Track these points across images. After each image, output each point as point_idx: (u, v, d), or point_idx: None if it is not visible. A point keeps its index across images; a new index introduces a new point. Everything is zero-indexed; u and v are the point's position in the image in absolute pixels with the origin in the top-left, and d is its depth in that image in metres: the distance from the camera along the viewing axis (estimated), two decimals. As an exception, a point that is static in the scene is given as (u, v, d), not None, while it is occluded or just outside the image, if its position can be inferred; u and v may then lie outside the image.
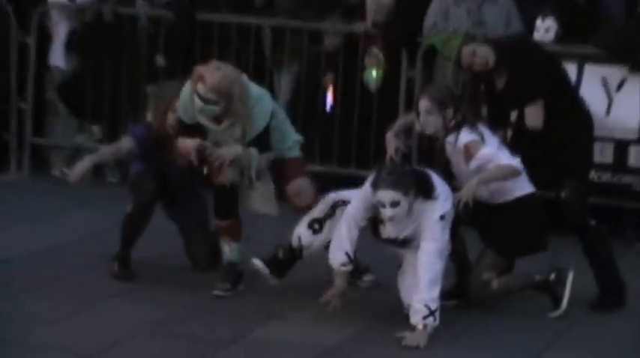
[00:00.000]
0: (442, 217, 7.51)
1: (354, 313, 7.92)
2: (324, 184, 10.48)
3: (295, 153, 8.57)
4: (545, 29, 10.53)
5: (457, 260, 8.45)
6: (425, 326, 7.33)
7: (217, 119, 8.14)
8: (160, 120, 8.74)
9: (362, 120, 10.88)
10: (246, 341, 7.50)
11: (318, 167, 10.89)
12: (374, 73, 10.86)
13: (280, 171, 8.48)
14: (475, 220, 8.24)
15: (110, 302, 8.29)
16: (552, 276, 8.29)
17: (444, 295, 7.96)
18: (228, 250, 8.51)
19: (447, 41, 9.54)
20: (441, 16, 10.67)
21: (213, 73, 8.03)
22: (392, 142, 8.60)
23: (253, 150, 8.24)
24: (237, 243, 8.51)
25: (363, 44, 10.98)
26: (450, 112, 8.08)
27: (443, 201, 7.57)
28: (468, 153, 7.96)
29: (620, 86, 10.28)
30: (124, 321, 7.85)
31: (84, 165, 8.81)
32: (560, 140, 8.59)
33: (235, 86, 8.03)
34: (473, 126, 8.08)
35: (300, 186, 8.39)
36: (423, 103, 8.12)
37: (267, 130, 8.26)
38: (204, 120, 8.16)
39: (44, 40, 11.83)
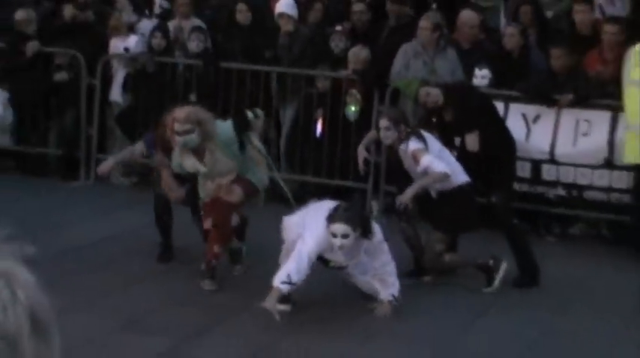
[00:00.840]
0: (387, 240, 7.81)
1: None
2: (317, 190, 11.15)
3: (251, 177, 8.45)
4: (481, 76, 10.62)
5: (412, 246, 8.80)
6: (390, 302, 7.79)
7: (199, 156, 8.16)
8: (160, 131, 8.56)
9: (344, 143, 10.89)
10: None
11: (312, 178, 11.20)
12: (353, 108, 11.02)
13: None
14: (421, 213, 8.63)
15: (153, 279, 8.55)
16: (491, 262, 8.59)
17: (404, 275, 8.33)
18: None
19: (408, 84, 10.10)
20: (403, 66, 10.81)
21: (180, 110, 8.18)
22: (361, 154, 8.99)
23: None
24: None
25: (345, 86, 11.11)
26: (402, 127, 8.40)
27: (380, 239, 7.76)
28: (415, 158, 8.23)
29: (535, 119, 10.33)
30: (161, 293, 8.20)
31: (108, 163, 9.25)
32: (491, 160, 8.95)
33: (200, 113, 8.17)
34: (419, 137, 8.31)
35: (234, 188, 8.27)
36: (382, 122, 8.50)
37: (235, 120, 8.45)
38: (190, 164, 8.22)
39: (106, 81, 11.92)
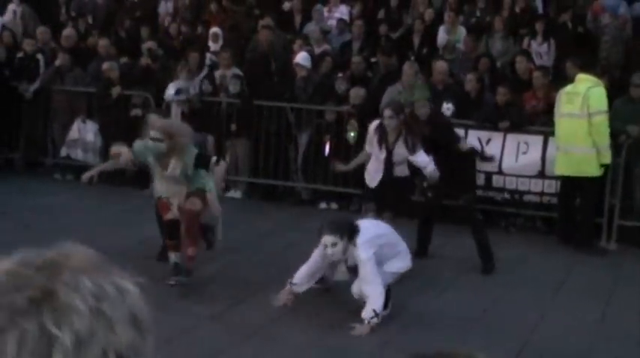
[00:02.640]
0: (369, 259, 6.67)
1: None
2: (326, 195, 11.26)
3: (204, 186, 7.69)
4: (447, 108, 10.61)
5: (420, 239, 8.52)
6: (369, 322, 6.61)
7: (164, 162, 7.48)
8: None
9: (346, 160, 10.03)
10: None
11: (322, 186, 11.21)
12: (352, 134, 10.97)
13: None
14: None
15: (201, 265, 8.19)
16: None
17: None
18: (174, 257, 7.65)
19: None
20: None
21: (158, 120, 7.68)
22: (345, 168, 8.88)
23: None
24: (179, 253, 7.66)
25: (347, 118, 11.10)
26: (402, 116, 8.09)
27: (366, 247, 6.69)
28: (414, 147, 7.99)
29: (487, 141, 10.36)
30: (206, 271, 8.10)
31: (92, 171, 8.25)
32: (458, 169, 8.87)
33: (175, 128, 7.58)
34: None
35: (194, 200, 7.58)
36: (387, 112, 8.08)
37: (200, 157, 7.61)
38: (155, 165, 7.61)
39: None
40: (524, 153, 10.28)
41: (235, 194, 11.85)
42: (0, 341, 0.98)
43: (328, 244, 6.66)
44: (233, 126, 11.65)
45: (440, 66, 11.28)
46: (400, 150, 8.11)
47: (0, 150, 12.86)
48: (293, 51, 12.38)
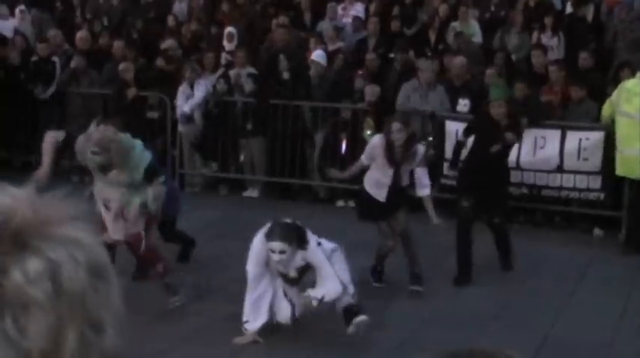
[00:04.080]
0: (324, 259, 6.38)
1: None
2: (344, 193, 11.23)
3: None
4: (463, 104, 10.67)
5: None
6: (313, 300, 6.28)
7: (105, 169, 7.10)
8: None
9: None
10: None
11: (338, 184, 11.05)
12: (369, 131, 10.86)
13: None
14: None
15: (217, 259, 8.24)
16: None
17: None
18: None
19: (503, 90, 9.17)
20: (405, 98, 10.86)
21: (96, 134, 7.13)
22: (341, 175, 8.59)
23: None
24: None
25: (363, 115, 11.11)
26: (410, 129, 7.80)
27: (319, 250, 6.40)
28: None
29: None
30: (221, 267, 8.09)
31: (43, 169, 7.48)
32: (494, 182, 8.37)
33: (112, 144, 7.00)
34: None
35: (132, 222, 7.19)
36: (395, 125, 7.68)
37: (151, 170, 7.19)
38: (94, 169, 7.22)
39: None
40: (542, 147, 10.22)
41: (252, 193, 11.89)
42: None
43: (276, 250, 6.25)
44: (249, 126, 11.69)
45: (458, 61, 11.28)
46: (408, 166, 7.80)
47: (17, 154, 12.93)
48: (308, 49, 12.37)
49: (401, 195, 7.86)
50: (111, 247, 6.96)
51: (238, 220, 9.58)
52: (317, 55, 11.75)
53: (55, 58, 12.65)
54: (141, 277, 7.50)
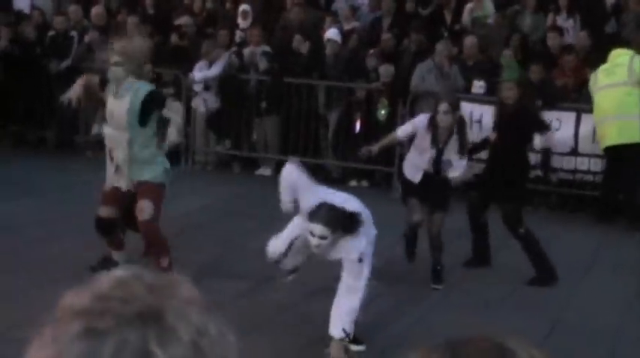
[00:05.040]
0: (360, 260, 5.67)
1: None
2: (356, 173, 11.19)
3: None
4: (479, 86, 10.70)
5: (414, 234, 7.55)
6: (341, 340, 5.67)
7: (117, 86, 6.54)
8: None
9: (376, 137, 9.90)
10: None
11: (352, 164, 11.16)
12: (383, 111, 11.02)
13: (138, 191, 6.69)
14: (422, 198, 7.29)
15: (230, 236, 8.32)
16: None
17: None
18: (117, 255, 6.98)
19: (514, 69, 9.69)
20: (420, 79, 10.88)
21: (121, 40, 6.66)
22: (373, 149, 7.72)
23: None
24: (123, 251, 7.00)
25: (377, 95, 11.16)
26: (457, 114, 7.25)
27: (364, 242, 5.70)
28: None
29: None
30: (235, 245, 7.91)
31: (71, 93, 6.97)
32: (512, 169, 7.79)
33: (137, 51, 6.57)
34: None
35: (142, 206, 6.62)
36: (443, 106, 7.08)
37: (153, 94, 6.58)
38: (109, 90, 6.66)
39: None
40: (557, 129, 10.18)
41: (265, 171, 11.91)
42: (98, 342, 1.00)
43: (316, 234, 5.60)
44: (263, 104, 11.70)
45: (469, 41, 11.29)
46: (451, 151, 7.21)
47: (32, 129, 12.99)
48: (323, 28, 12.35)
49: (439, 185, 7.26)
50: (110, 221, 6.80)
51: (251, 198, 9.60)
52: (332, 33, 11.75)
53: (74, 33, 12.65)
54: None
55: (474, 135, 10.49)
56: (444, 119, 7.04)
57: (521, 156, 7.91)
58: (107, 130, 6.78)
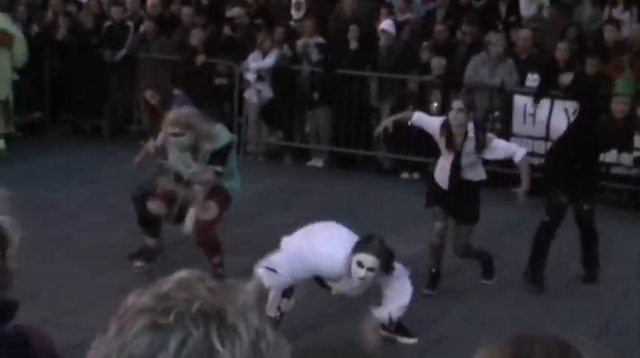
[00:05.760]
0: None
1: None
2: (409, 165, 11.15)
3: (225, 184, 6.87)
4: (533, 79, 10.60)
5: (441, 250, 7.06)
6: (383, 322, 5.63)
7: (194, 154, 6.63)
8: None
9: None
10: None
11: (404, 156, 11.17)
12: (435, 104, 10.86)
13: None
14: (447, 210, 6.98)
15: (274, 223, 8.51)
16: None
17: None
18: (151, 241, 7.20)
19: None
20: (473, 71, 10.86)
21: (170, 114, 6.67)
22: (387, 122, 7.68)
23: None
24: (156, 239, 7.24)
25: (430, 88, 11.09)
26: (471, 114, 6.97)
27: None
28: (486, 142, 6.82)
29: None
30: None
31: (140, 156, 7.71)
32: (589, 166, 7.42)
33: (191, 117, 6.59)
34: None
35: (209, 205, 6.78)
36: (457, 103, 6.87)
37: (228, 147, 6.73)
38: (178, 161, 6.78)
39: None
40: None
41: (317, 163, 11.93)
42: (164, 336, 1.04)
43: (365, 265, 5.38)
44: (315, 95, 11.70)
45: (523, 34, 11.18)
46: (470, 150, 6.88)
47: (87, 118, 13.13)
48: (377, 19, 12.30)
49: (466, 191, 6.95)
50: (155, 217, 6.96)
51: (302, 189, 9.59)
52: (386, 24, 11.69)
53: (130, 23, 12.77)
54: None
55: (527, 129, 10.49)
56: (456, 117, 6.77)
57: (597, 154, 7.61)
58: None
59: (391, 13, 12.58)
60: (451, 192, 6.90)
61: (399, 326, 5.94)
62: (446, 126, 6.87)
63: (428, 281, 7.07)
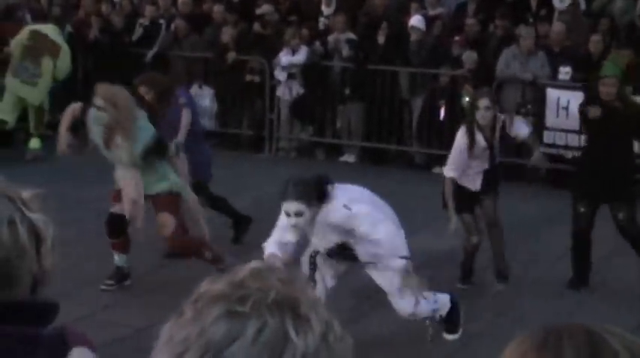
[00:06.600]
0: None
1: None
2: (441, 159, 11.06)
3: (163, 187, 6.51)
4: (565, 72, 10.57)
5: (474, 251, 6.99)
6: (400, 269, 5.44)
7: (109, 135, 6.34)
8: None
9: (460, 122, 10.60)
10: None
11: (437, 151, 10.99)
12: (467, 98, 10.22)
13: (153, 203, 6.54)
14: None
15: None
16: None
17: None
18: (118, 258, 6.78)
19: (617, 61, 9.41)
20: (505, 65, 10.83)
21: (102, 87, 6.47)
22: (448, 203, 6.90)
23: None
24: (126, 254, 6.78)
25: (461, 82, 10.97)
26: (497, 107, 7.01)
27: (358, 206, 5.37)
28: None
29: None
30: None
31: (61, 142, 6.84)
32: (622, 170, 7.08)
33: (119, 97, 6.34)
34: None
35: (162, 220, 6.49)
36: (484, 101, 6.80)
37: (154, 145, 6.40)
38: (97, 137, 6.48)
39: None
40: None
41: (349, 158, 11.93)
42: (241, 324, 1.07)
43: (291, 212, 5.27)
44: (347, 91, 11.69)
45: (557, 27, 11.12)
46: (496, 142, 6.92)
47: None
48: (407, 14, 12.26)
49: (492, 178, 7.00)
50: (119, 218, 6.62)
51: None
52: (416, 20, 11.64)
53: (162, 21, 12.84)
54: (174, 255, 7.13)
55: (560, 122, 10.40)
56: (485, 115, 6.72)
57: (628, 151, 7.26)
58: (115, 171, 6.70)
59: (422, 8, 12.53)
60: (486, 187, 6.87)
61: (446, 319, 5.82)
62: (469, 132, 6.77)
63: (461, 276, 7.09)
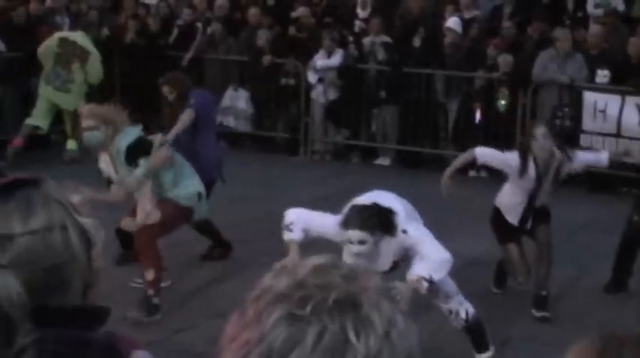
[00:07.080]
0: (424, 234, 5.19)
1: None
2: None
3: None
4: (602, 75, 10.46)
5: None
6: (418, 280, 5.00)
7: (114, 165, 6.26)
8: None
9: (497, 127, 10.71)
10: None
11: None
12: (503, 101, 10.88)
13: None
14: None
15: None
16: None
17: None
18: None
19: None
20: (542, 68, 10.71)
21: (85, 108, 6.48)
22: (448, 187, 6.65)
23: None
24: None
25: (497, 85, 11.00)
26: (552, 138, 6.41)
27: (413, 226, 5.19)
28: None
29: None
30: None
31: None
32: None
33: (110, 113, 6.21)
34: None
35: (153, 211, 6.28)
36: (540, 129, 6.35)
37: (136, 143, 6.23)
38: (103, 166, 6.39)
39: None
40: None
41: (384, 161, 11.92)
42: (301, 330, 1.05)
43: (354, 241, 5.04)
44: (382, 94, 11.68)
45: (594, 29, 11.03)
46: (550, 179, 6.46)
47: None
48: (443, 17, 12.25)
49: (539, 214, 6.56)
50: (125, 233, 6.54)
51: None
52: (452, 22, 11.62)
53: (199, 24, 12.89)
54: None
55: (597, 126, 10.31)
56: (544, 145, 6.23)
57: None
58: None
59: (457, 10, 12.49)
60: (520, 224, 6.50)
61: (477, 337, 5.57)
62: (522, 155, 6.34)
63: (494, 280, 7.00)
